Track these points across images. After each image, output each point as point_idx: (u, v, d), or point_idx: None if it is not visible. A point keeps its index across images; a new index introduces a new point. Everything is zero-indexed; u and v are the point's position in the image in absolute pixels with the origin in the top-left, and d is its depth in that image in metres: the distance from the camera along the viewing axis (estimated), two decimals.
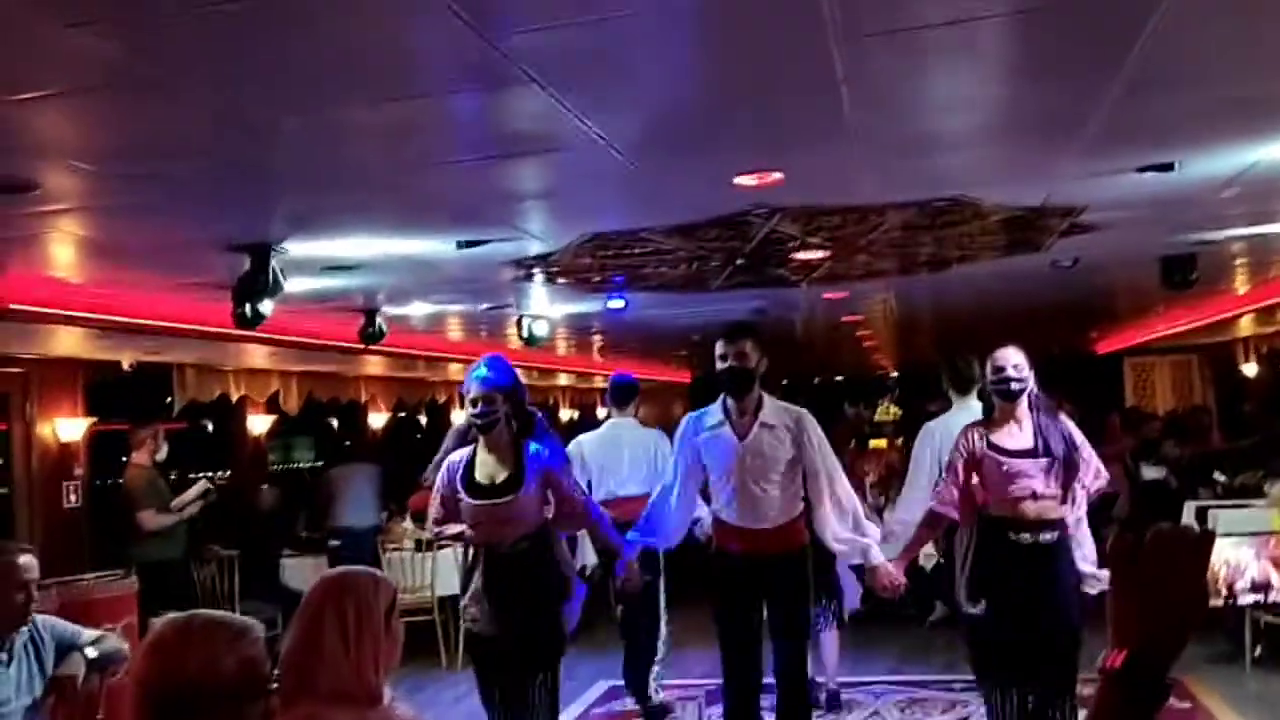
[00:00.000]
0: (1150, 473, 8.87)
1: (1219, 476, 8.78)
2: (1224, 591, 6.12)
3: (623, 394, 6.36)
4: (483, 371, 4.26)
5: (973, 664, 4.46)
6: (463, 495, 4.31)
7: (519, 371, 4.48)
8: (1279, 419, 10.16)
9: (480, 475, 4.30)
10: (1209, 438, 9.99)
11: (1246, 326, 11.31)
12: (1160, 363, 15.84)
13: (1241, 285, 8.72)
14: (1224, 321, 10.71)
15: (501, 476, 4.27)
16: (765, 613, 4.55)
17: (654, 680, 6.07)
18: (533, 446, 4.31)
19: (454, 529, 4.38)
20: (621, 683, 6.35)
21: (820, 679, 6.05)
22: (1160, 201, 4.95)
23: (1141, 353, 15.52)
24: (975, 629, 4.30)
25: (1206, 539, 1.16)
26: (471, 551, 4.41)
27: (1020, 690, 4.12)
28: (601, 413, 15.57)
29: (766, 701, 4.62)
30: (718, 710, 4.67)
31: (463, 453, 4.40)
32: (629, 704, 6.34)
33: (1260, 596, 6.22)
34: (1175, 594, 1.14)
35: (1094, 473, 4.32)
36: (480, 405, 4.22)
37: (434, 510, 4.44)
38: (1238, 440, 10.34)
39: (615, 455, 5.99)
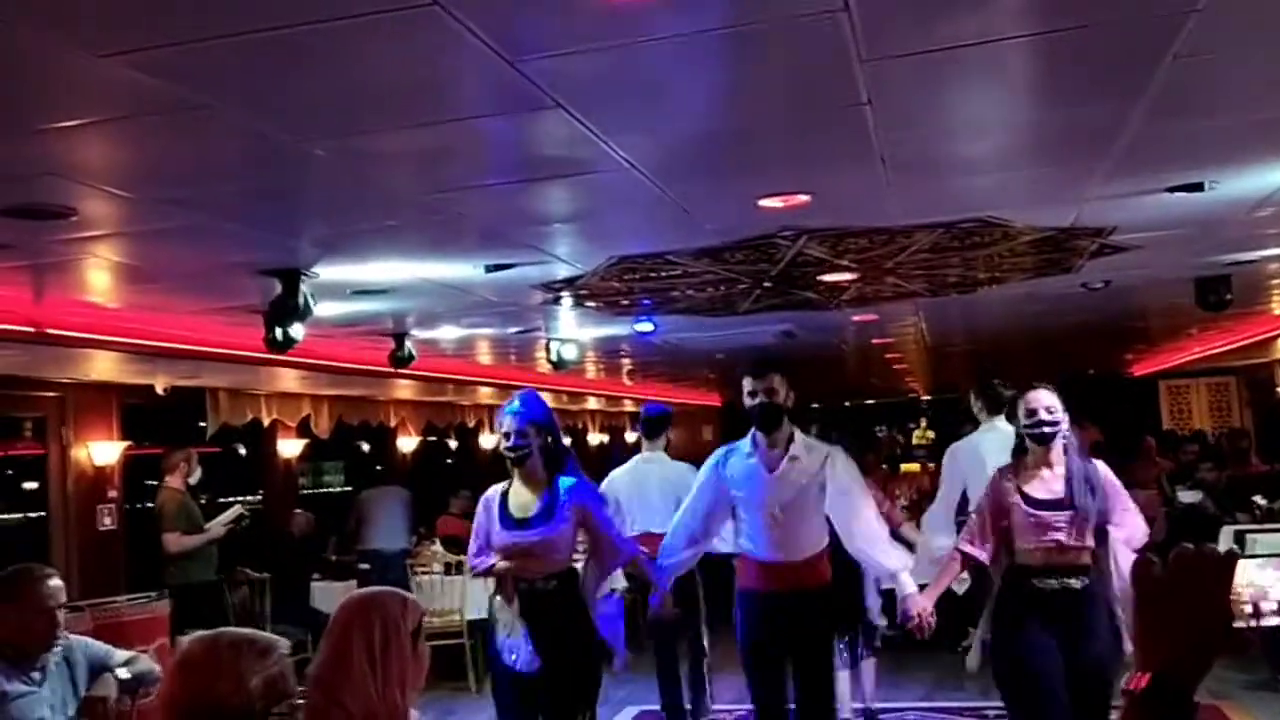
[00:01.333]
0: (1187, 497, 8.75)
1: (1259, 500, 8.63)
2: (1249, 612, 6.01)
3: (655, 426, 6.37)
4: (516, 405, 4.36)
5: (1006, 703, 4.36)
6: (497, 527, 4.36)
7: (553, 410, 4.56)
8: None
9: (514, 508, 4.35)
10: (1248, 461, 9.83)
11: None
12: (1196, 385, 15.67)
13: (1279, 305, 8.61)
14: (1261, 342, 10.58)
15: (535, 510, 4.32)
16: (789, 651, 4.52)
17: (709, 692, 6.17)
18: (567, 481, 4.35)
19: (489, 563, 4.41)
20: (654, 708, 6.34)
21: (858, 704, 6.06)
22: (1192, 222, 4.91)
23: (1177, 375, 15.35)
24: (1002, 676, 4.20)
25: (1229, 559, 1.15)
26: (501, 587, 4.43)
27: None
28: (631, 437, 15.58)
29: None
30: None
31: (498, 487, 4.46)
32: None
33: None
34: (1199, 615, 1.13)
35: (1131, 531, 4.07)
36: (513, 437, 4.30)
37: (472, 546, 4.51)
38: (1277, 463, 10.17)
39: (645, 491, 6.00)
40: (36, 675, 3.59)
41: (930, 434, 18.82)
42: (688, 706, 6.29)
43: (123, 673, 3.79)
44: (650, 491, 6.02)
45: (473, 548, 4.49)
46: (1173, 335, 11.02)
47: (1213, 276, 6.49)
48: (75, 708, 3.68)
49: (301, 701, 1.98)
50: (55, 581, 3.63)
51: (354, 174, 3.47)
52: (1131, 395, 15.53)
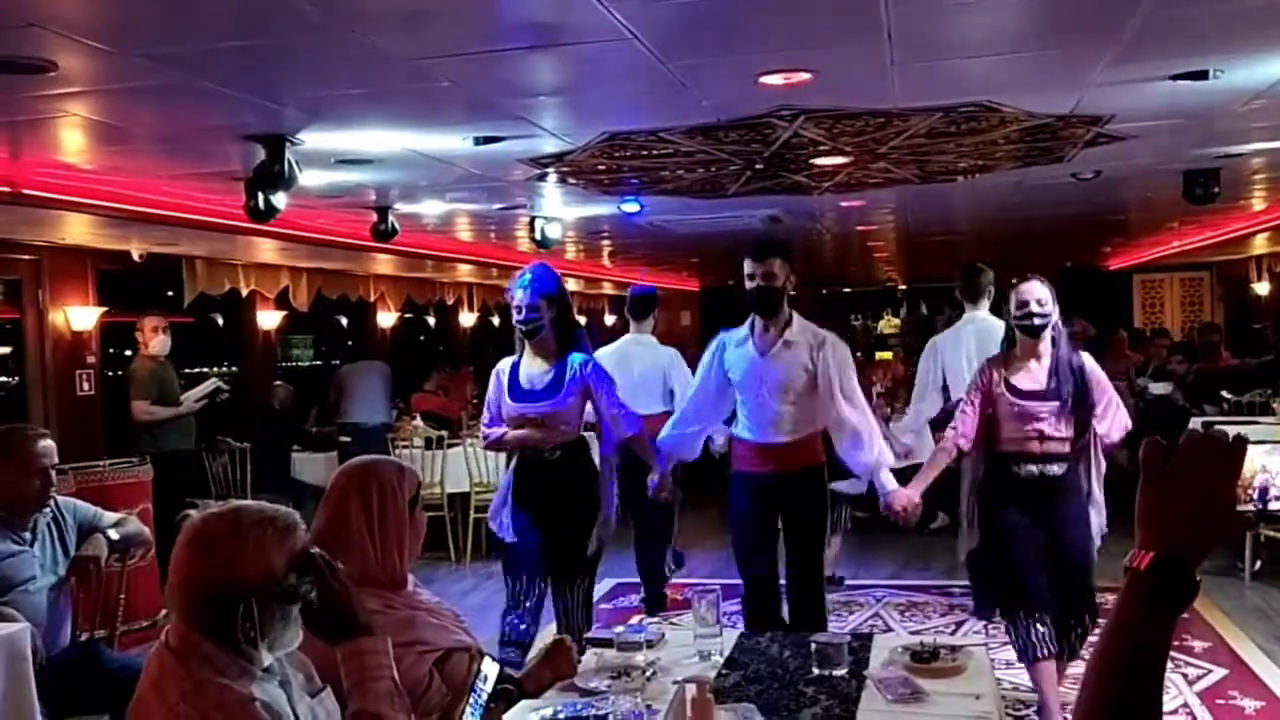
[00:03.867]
0: (1157, 389, 8.90)
1: (1225, 394, 8.80)
2: (1256, 497, 6.14)
3: (642, 306, 6.35)
4: (527, 278, 4.34)
5: (974, 594, 4.48)
6: (505, 398, 4.39)
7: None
8: None
9: (523, 379, 4.40)
10: (1217, 355, 9.98)
11: (1261, 244, 11.23)
12: (1170, 279, 15.77)
13: (1259, 201, 8.62)
14: (1238, 238, 10.62)
15: (543, 383, 4.34)
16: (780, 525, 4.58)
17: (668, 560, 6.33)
18: (577, 357, 4.36)
19: (498, 433, 4.46)
20: (632, 580, 6.49)
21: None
22: (1189, 112, 4.86)
23: (1153, 270, 15.43)
24: (978, 561, 4.32)
25: (1240, 444, 1.15)
26: (511, 458, 4.49)
27: (1038, 615, 4.12)
28: (610, 320, 15.56)
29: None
30: (733, 605, 4.73)
31: (509, 359, 4.48)
32: (634, 600, 6.48)
33: None
34: (1205, 498, 1.14)
35: (1112, 423, 4.19)
36: (525, 311, 4.29)
37: (485, 416, 4.57)
38: (1247, 358, 10.34)
39: (627, 372, 6.00)
40: (27, 535, 3.62)
41: (896, 321, 18.97)
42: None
43: (113, 533, 3.82)
44: (633, 373, 6.04)
45: (485, 418, 4.56)
46: (1154, 229, 11.03)
47: (1202, 169, 6.47)
48: (65, 567, 3.72)
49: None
50: (47, 442, 3.63)
51: (343, 34, 3.35)
52: (1107, 288, 15.63)
